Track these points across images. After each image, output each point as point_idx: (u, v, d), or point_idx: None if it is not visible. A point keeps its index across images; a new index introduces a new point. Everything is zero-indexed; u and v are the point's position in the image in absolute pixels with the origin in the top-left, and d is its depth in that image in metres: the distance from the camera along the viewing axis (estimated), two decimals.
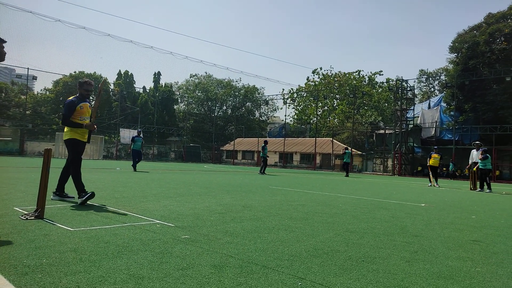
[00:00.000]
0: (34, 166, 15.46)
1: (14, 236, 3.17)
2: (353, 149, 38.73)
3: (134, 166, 15.74)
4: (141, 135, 17.29)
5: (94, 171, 13.78)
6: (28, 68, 39.37)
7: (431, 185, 15.26)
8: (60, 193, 5.49)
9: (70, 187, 5.63)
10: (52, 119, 48.53)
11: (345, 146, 25.95)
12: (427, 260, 3.07)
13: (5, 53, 3.19)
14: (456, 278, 2.62)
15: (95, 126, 5.59)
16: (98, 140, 41.22)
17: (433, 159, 15.64)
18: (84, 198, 5.07)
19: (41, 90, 55.07)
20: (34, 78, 40.61)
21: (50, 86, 53.31)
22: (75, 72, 54.17)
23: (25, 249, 2.81)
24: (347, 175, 22.54)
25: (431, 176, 15.56)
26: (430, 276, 2.65)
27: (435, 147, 18.18)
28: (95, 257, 2.68)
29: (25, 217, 3.97)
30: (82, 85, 5.48)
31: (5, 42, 3.17)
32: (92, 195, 5.11)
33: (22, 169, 12.77)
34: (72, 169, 5.33)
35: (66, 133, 5.41)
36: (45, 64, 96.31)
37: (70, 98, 5.43)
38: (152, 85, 56.93)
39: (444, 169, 31.35)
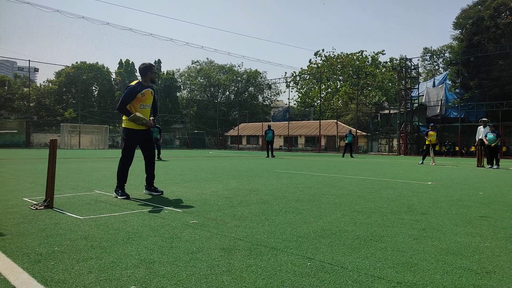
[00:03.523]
0: (41, 157, 15.58)
1: (25, 226, 3.21)
2: (358, 130, 38.62)
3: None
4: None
5: (101, 160, 13.87)
6: (29, 61, 39.37)
7: (422, 163, 15.16)
8: (148, 187, 5.22)
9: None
10: (57, 110, 48.67)
11: (349, 128, 26.86)
12: (435, 237, 3.07)
13: None
14: (465, 254, 2.63)
15: (147, 122, 4.92)
16: (103, 130, 41.42)
17: (430, 137, 15.47)
18: (119, 196, 4.83)
19: (43, 82, 55.12)
20: (36, 70, 40.65)
21: (52, 77, 53.31)
22: (76, 62, 54.04)
23: (36, 238, 2.85)
24: (351, 156, 23.75)
25: (431, 154, 15.30)
26: (438, 252, 2.65)
27: (431, 124, 18.05)
28: (106, 244, 2.72)
29: (34, 207, 4.02)
30: (148, 69, 4.96)
31: None
32: (127, 198, 4.79)
33: (29, 161, 12.88)
34: (120, 159, 4.99)
35: (123, 120, 5.03)
36: (46, 55, 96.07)
37: (133, 83, 4.97)
38: None
39: (444, 148, 31.49)
